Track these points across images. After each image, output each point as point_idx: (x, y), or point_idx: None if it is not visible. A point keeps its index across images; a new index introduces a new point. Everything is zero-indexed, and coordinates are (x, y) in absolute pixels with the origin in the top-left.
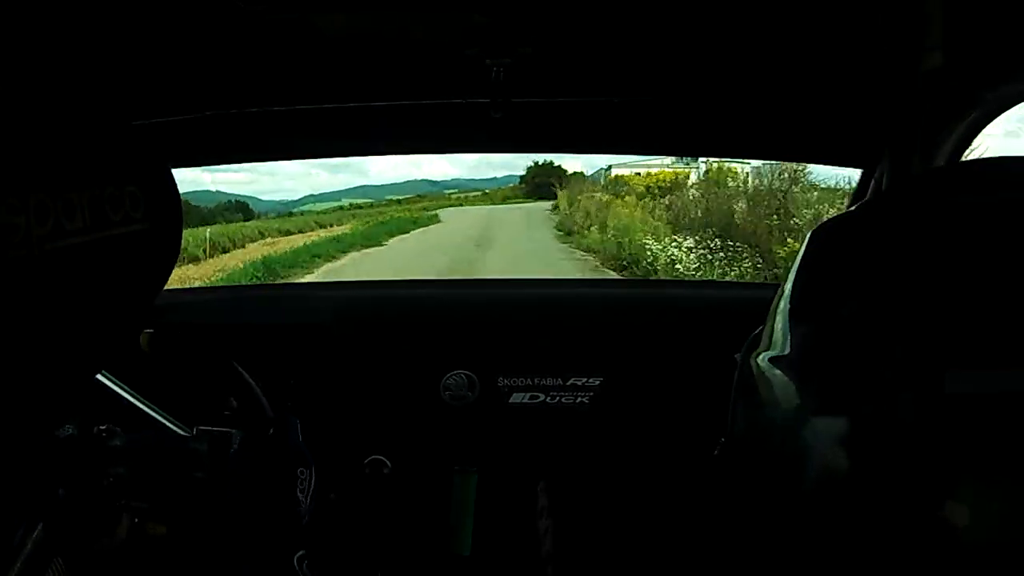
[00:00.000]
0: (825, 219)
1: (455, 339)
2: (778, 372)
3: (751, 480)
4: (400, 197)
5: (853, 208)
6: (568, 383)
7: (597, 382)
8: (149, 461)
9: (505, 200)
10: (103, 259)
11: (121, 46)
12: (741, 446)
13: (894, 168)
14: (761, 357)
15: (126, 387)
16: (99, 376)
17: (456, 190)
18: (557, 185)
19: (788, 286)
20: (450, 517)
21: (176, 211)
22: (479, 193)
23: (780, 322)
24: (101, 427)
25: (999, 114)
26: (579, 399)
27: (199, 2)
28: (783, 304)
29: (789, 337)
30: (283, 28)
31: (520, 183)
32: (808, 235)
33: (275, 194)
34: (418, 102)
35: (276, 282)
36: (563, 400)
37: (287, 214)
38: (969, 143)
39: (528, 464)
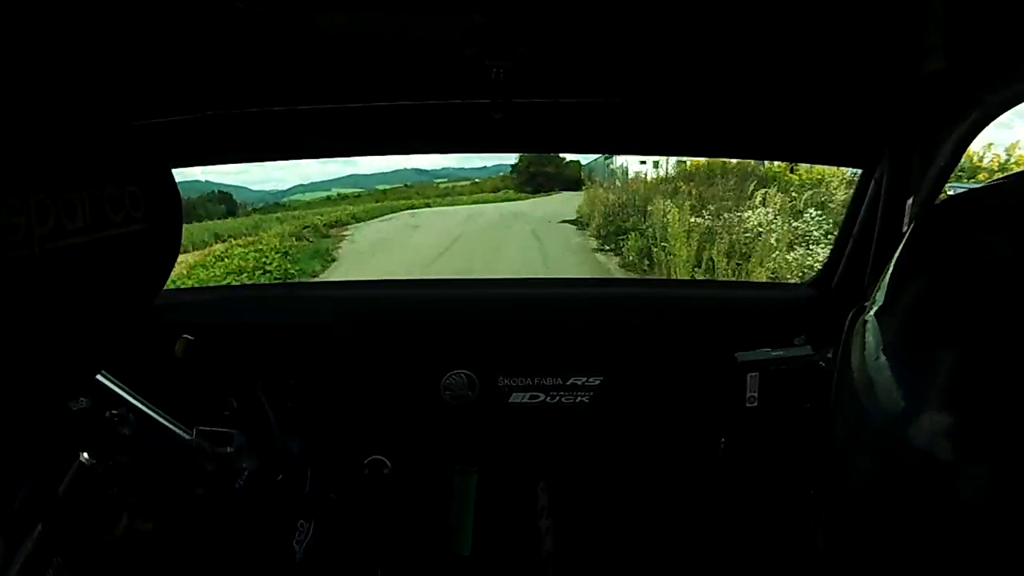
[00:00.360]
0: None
1: (455, 339)
2: (883, 354)
3: (843, 471)
4: (388, 187)
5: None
6: (568, 383)
7: (597, 382)
8: (150, 457)
9: (495, 193)
10: (103, 259)
11: (121, 46)
12: (841, 426)
13: (894, 168)
14: (868, 314)
15: (125, 387)
16: (99, 376)
17: (446, 179)
18: (588, 180)
19: (896, 256)
20: (450, 517)
21: (176, 211)
22: (468, 183)
23: (888, 281)
24: (114, 411)
25: (999, 115)
26: (579, 399)
27: (199, 2)
28: (891, 269)
29: (894, 293)
30: (283, 28)
31: (511, 172)
32: (915, 219)
33: (265, 184)
34: (418, 102)
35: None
36: (563, 400)
37: (275, 204)
38: (969, 143)
39: (528, 464)
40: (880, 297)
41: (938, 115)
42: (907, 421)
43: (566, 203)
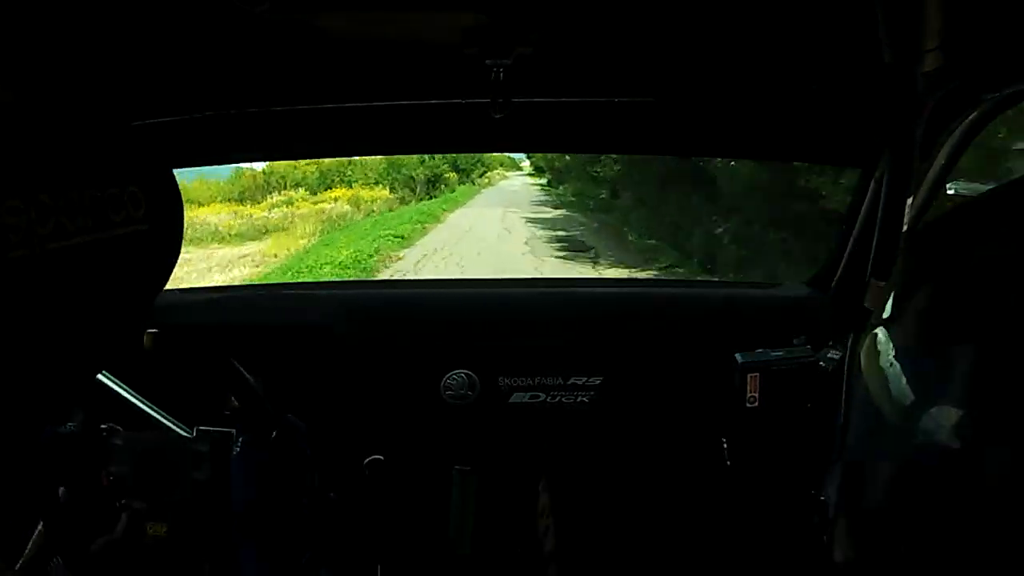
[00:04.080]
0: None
1: (455, 339)
2: (893, 356)
3: (862, 478)
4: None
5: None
6: (568, 383)
7: (597, 381)
8: (150, 461)
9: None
10: (104, 259)
11: (122, 46)
12: (855, 440)
13: (894, 168)
14: (872, 332)
15: (127, 387)
16: (100, 376)
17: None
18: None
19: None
20: (450, 517)
21: (178, 212)
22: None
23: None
24: (103, 426)
25: (999, 114)
26: (579, 399)
27: (200, 3)
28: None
29: (900, 303)
30: (284, 28)
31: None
32: (908, 236)
33: None
34: (418, 102)
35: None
36: (563, 400)
37: None
38: (969, 143)
39: (528, 464)
40: (887, 308)
41: (938, 115)
42: (924, 415)
43: None
